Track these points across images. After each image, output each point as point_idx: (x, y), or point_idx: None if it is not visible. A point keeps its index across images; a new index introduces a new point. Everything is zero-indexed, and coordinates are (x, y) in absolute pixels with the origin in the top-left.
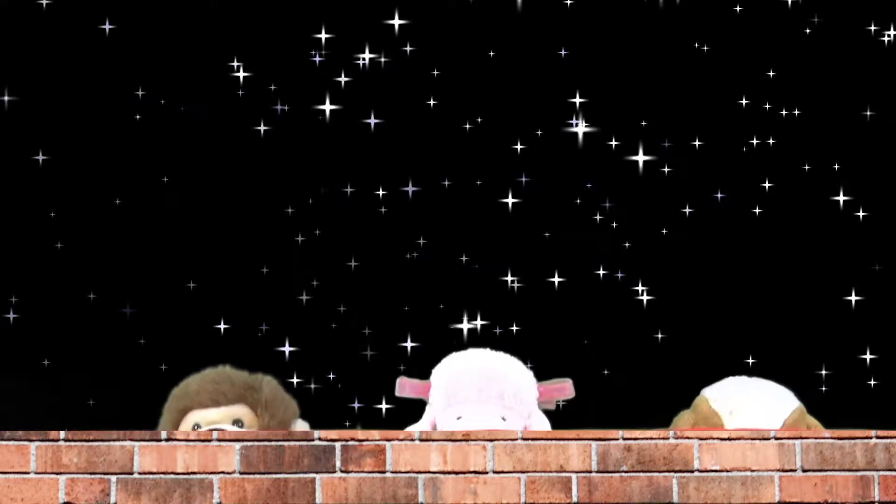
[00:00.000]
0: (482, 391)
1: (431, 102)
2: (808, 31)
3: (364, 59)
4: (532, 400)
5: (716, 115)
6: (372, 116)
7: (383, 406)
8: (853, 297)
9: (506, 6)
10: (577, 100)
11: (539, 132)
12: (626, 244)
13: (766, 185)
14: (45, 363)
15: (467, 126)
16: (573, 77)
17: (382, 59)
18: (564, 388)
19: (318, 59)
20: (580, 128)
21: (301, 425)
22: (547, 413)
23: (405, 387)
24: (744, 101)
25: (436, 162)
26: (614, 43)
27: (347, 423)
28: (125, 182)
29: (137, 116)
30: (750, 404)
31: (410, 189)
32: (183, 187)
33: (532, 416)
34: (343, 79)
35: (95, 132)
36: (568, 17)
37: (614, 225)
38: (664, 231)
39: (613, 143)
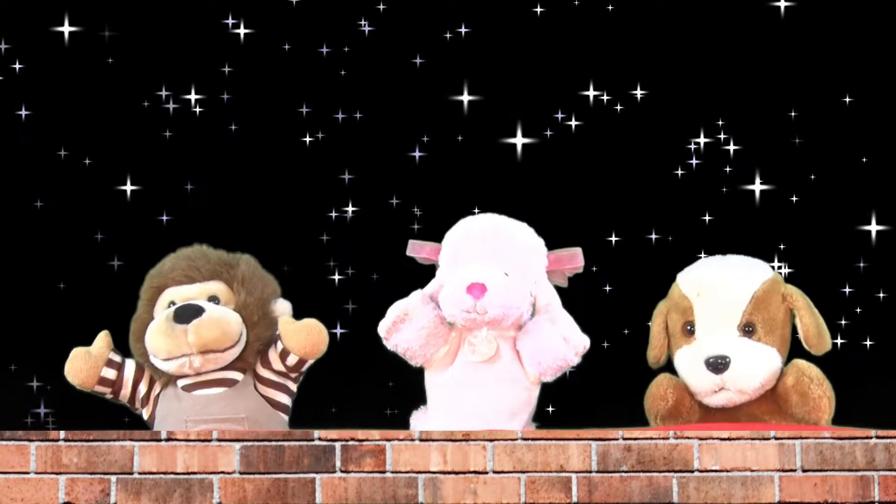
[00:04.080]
0: (486, 247)
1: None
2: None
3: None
4: (540, 267)
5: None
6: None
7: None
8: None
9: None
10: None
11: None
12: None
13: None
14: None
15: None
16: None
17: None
18: (574, 257)
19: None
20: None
21: (282, 305)
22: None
23: (415, 248)
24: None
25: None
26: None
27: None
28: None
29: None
30: (717, 282)
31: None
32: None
33: (539, 284)
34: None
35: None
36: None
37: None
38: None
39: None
